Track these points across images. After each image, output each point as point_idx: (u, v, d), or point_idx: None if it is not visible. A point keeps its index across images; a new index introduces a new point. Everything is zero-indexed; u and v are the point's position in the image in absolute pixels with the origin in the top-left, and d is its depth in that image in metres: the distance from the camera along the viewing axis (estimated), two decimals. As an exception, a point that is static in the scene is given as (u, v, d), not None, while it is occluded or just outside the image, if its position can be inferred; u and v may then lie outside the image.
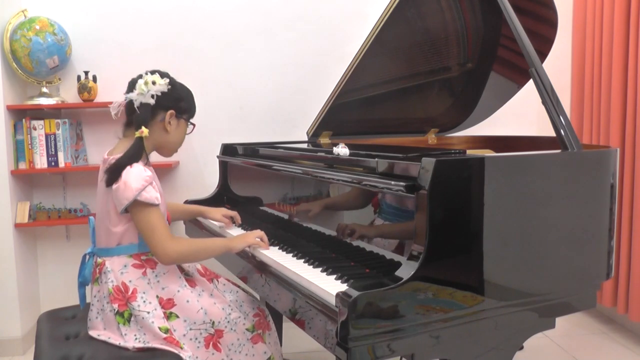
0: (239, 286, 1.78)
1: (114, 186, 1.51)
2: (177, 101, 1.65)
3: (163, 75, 1.63)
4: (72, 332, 1.64)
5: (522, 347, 1.97)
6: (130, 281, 1.54)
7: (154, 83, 1.59)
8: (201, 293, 1.61)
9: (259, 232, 1.71)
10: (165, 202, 1.67)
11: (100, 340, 1.53)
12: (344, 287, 1.23)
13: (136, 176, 1.50)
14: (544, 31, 2.14)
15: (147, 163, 1.61)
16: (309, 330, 1.31)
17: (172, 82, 1.65)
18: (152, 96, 1.59)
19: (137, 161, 1.54)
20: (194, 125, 1.74)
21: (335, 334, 1.15)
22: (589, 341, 2.64)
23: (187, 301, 1.56)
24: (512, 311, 1.36)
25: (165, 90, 1.60)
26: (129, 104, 1.60)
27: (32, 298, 2.77)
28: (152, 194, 1.51)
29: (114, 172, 1.52)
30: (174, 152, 1.73)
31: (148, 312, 1.51)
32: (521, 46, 1.64)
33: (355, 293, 1.12)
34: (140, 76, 1.61)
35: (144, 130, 1.57)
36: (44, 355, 1.50)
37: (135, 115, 1.59)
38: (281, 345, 2.30)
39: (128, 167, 1.51)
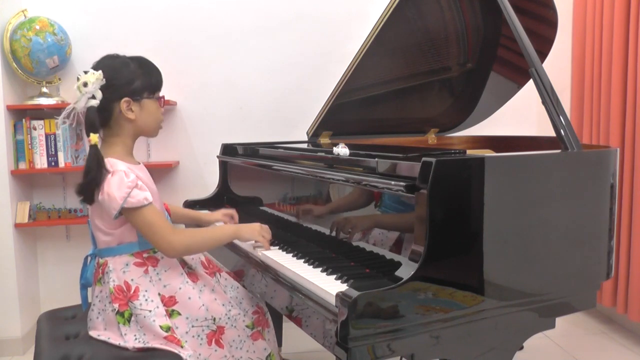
0: (239, 281, 1.78)
1: (100, 198, 1.48)
2: (128, 85, 1.53)
3: (100, 65, 1.51)
4: (72, 332, 1.64)
5: (522, 347, 1.97)
6: (132, 280, 1.53)
7: (85, 84, 1.48)
8: (202, 289, 1.61)
9: (266, 229, 1.68)
10: (159, 197, 1.64)
11: (100, 340, 1.52)
12: (344, 287, 1.23)
13: (118, 185, 1.46)
14: (544, 31, 2.14)
15: (131, 160, 1.58)
16: (309, 330, 1.31)
17: (115, 67, 1.53)
18: (93, 97, 1.49)
19: (102, 172, 1.48)
20: (162, 97, 1.63)
21: (335, 333, 1.15)
22: (588, 341, 2.64)
23: (189, 298, 1.56)
24: (512, 311, 1.37)
25: (102, 83, 1.49)
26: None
27: (32, 298, 2.77)
28: (139, 196, 1.47)
29: (84, 192, 1.50)
30: (157, 130, 1.64)
31: (150, 311, 1.50)
32: (521, 46, 1.64)
33: (355, 293, 1.12)
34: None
35: (92, 138, 1.49)
36: (44, 355, 1.50)
37: (84, 123, 1.51)
38: (281, 345, 2.31)
39: (109, 176, 1.47)
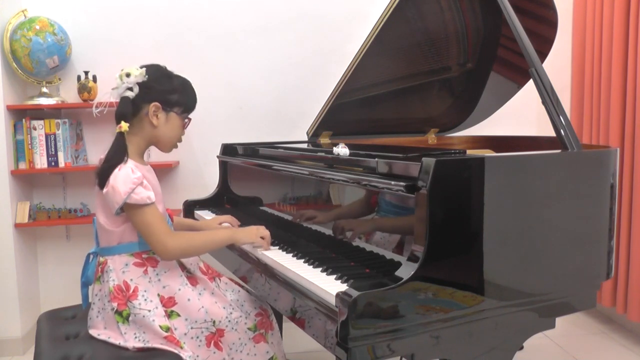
0: (241, 285, 1.77)
1: (104, 190, 1.50)
2: (165, 93, 1.59)
3: (146, 67, 1.58)
4: (72, 332, 1.64)
5: (522, 347, 1.97)
6: (131, 280, 1.54)
7: (128, 75, 1.54)
8: (202, 292, 1.61)
9: (263, 231, 1.68)
10: (162, 199, 1.65)
11: (101, 340, 1.53)
12: (344, 287, 1.23)
13: (124, 179, 1.48)
14: (544, 31, 2.14)
15: (140, 161, 1.59)
16: (309, 330, 1.31)
17: (159, 74, 1.60)
18: (130, 88, 1.55)
19: (122, 159, 1.52)
20: (189, 119, 1.68)
21: (335, 334, 1.15)
22: (588, 341, 2.64)
23: (188, 300, 1.56)
24: (512, 311, 1.37)
25: (141, 80, 1.55)
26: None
27: (32, 298, 2.77)
28: (143, 194, 1.48)
29: (102, 175, 1.51)
30: (171, 146, 1.67)
31: (149, 311, 1.51)
32: (521, 46, 1.64)
33: (355, 293, 1.12)
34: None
35: (123, 125, 1.54)
36: (44, 355, 1.50)
37: (115, 111, 1.56)
38: (281, 345, 2.30)
39: (116, 170, 1.49)
